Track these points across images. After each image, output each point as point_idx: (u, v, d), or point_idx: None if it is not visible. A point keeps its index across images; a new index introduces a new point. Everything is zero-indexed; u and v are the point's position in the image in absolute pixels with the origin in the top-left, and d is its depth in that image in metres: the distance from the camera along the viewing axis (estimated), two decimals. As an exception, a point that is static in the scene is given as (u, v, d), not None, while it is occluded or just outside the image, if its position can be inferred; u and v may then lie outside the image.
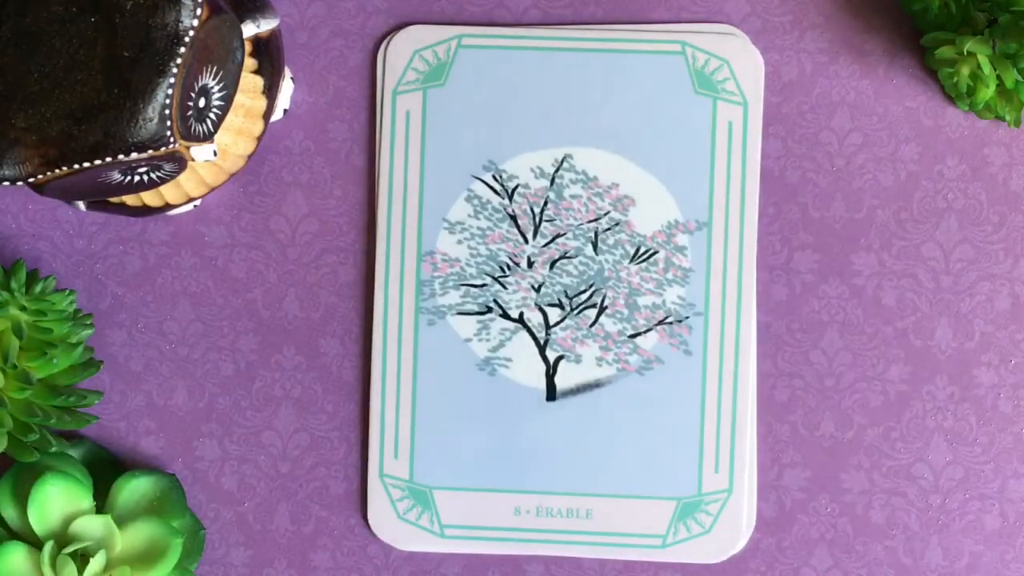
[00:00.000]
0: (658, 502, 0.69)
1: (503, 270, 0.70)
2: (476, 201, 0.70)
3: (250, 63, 0.67)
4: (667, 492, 0.69)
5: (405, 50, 0.70)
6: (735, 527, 0.69)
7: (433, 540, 0.70)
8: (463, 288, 0.70)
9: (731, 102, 0.69)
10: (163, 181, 0.64)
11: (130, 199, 0.68)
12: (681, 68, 0.69)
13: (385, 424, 0.70)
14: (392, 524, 0.70)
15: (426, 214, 0.70)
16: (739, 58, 0.70)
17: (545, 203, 0.70)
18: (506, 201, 0.70)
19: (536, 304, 0.70)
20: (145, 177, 0.64)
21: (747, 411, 0.69)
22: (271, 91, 0.68)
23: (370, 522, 0.70)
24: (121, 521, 0.68)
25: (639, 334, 0.70)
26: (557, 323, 0.70)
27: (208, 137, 0.64)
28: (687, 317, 0.69)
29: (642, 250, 0.70)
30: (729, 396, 0.69)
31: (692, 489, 0.69)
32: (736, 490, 0.69)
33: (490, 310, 0.70)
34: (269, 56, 0.67)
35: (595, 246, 0.70)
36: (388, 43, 0.70)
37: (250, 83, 0.67)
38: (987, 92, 0.66)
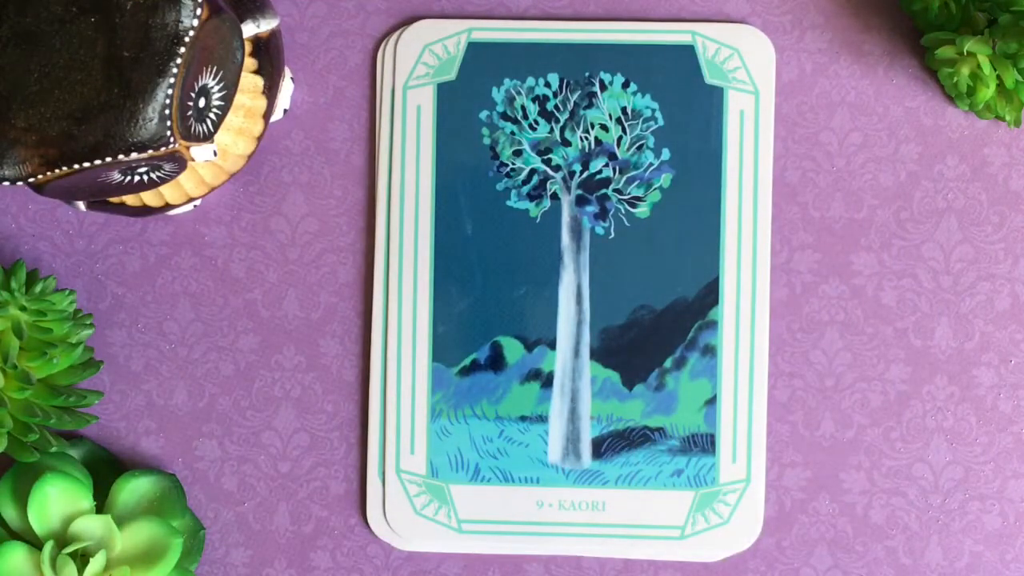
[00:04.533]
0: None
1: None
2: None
3: (250, 63, 0.67)
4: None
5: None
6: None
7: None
8: (463, 288, 0.70)
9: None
10: (163, 181, 0.64)
11: (130, 199, 0.68)
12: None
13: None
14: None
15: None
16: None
17: (546, 203, 0.70)
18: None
19: None
20: (145, 177, 0.64)
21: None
22: (271, 91, 0.68)
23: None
24: (121, 521, 0.68)
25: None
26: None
27: (208, 137, 0.64)
28: None
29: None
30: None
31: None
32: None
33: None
34: (269, 56, 0.67)
35: (596, 246, 0.70)
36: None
37: (250, 83, 0.67)
38: (987, 92, 0.66)
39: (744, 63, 0.70)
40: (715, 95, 0.70)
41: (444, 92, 0.70)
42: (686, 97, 0.70)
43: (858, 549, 0.70)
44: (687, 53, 0.70)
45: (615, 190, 0.70)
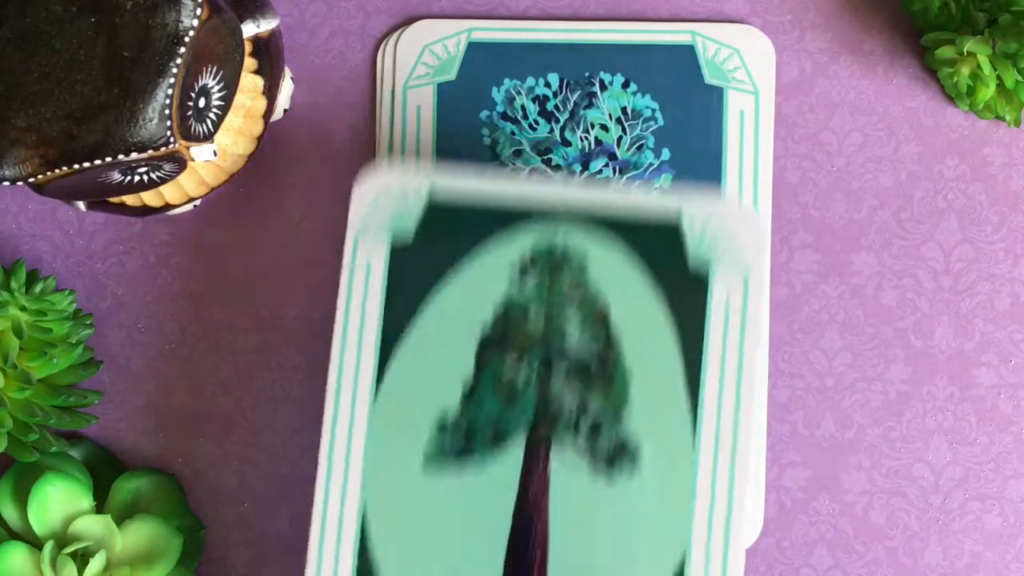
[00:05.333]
0: None
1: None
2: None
3: (250, 63, 0.67)
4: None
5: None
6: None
7: None
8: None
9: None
10: (163, 181, 0.64)
11: (130, 199, 0.68)
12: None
13: None
14: None
15: None
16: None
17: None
18: None
19: None
20: (145, 177, 0.64)
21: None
22: (271, 91, 0.68)
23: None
24: (121, 521, 0.68)
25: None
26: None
27: (208, 137, 0.64)
28: None
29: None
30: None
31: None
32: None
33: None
34: (269, 56, 0.67)
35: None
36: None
37: (250, 83, 0.67)
38: (987, 92, 0.66)
39: (744, 63, 0.70)
40: (715, 95, 0.70)
41: (444, 92, 0.70)
42: (686, 97, 0.70)
43: (858, 549, 0.70)
44: (687, 53, 0.70)
45: (615, 190, 0.70)
